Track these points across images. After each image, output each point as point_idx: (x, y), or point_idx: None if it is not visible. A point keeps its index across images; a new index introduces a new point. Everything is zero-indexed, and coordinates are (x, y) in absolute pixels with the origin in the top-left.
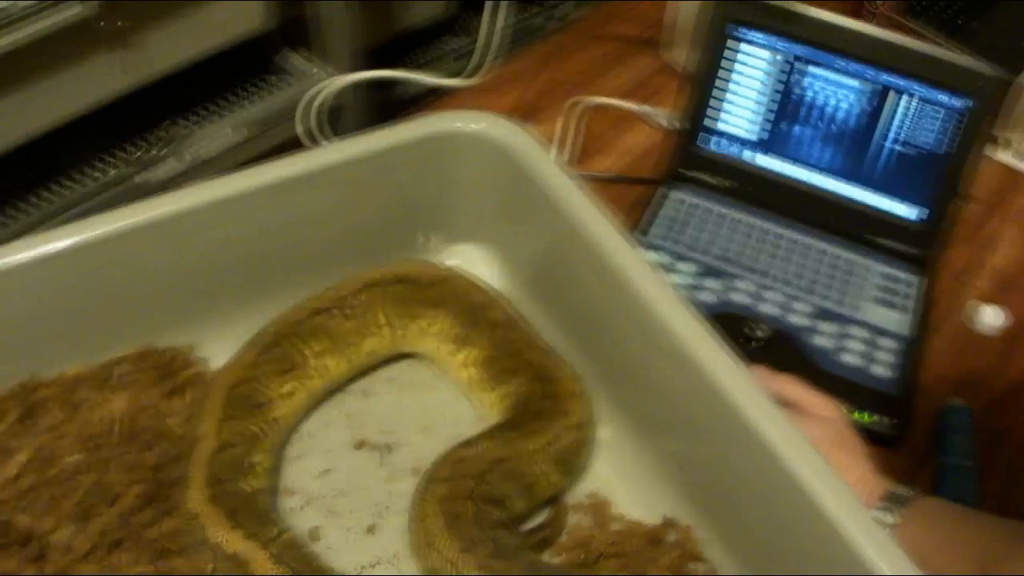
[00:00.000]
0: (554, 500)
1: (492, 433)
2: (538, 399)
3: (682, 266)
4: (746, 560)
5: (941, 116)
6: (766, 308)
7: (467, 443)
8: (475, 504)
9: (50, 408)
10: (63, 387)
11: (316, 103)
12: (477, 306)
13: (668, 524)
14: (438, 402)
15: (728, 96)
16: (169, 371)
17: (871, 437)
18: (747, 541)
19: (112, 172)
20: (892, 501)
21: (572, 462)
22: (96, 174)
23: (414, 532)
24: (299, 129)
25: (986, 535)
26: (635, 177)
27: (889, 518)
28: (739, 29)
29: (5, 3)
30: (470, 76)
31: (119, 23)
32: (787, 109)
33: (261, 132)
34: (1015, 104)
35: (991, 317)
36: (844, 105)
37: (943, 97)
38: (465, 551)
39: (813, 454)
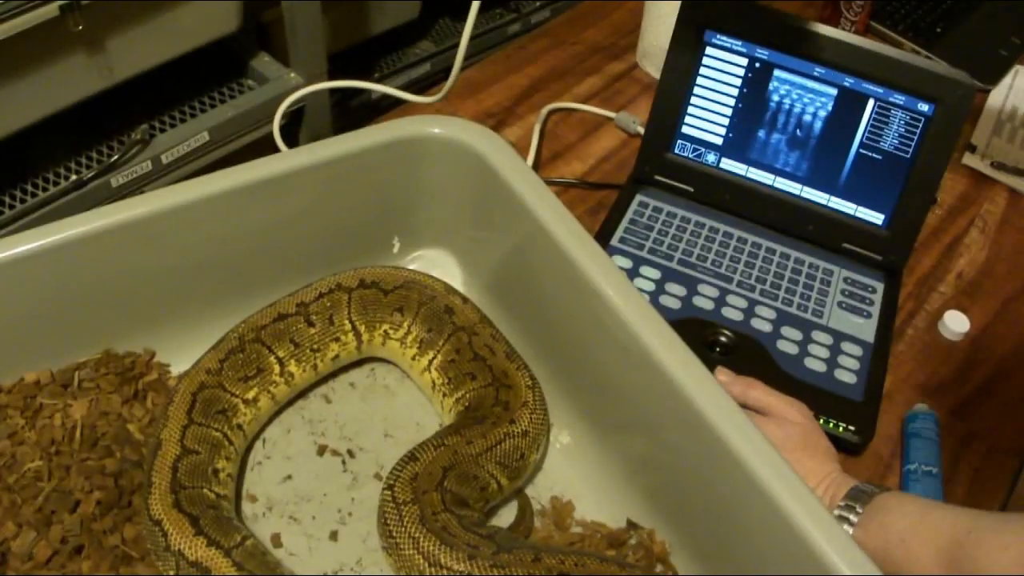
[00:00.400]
0: (521, 500)
1: (436, 441)
2: (490, 405)
3: (646, 271)
4: (708, 562)
5: (909, 122)
6: (730, 313)
7: (412, 457)
8: (451, 512)
9: (10, 414)
10: (23, 392)
11: (280, 109)
12: (441, 310)
13: (631, 527)
14: (399, 407)
15: (696, 100)
16: (130, 376)
17: (835, 443)
18: (709, 544)
19: (84, 174)
20: (854, 498)
21: (517, 467)
22: (69, 176)
23: (407, 559)
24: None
25: (948, 524)
26: (601, 182)
27: (851, 515)
28: (711, 34)
29: None
30: (429, 91)
31: (90, 24)
32: (754, 113)
33: (233, 135)
34: (983, 111)
35: (956, 323)
36: (812, 110)
37: (912, 103)
38: (472, 558)
39: (776, 457)
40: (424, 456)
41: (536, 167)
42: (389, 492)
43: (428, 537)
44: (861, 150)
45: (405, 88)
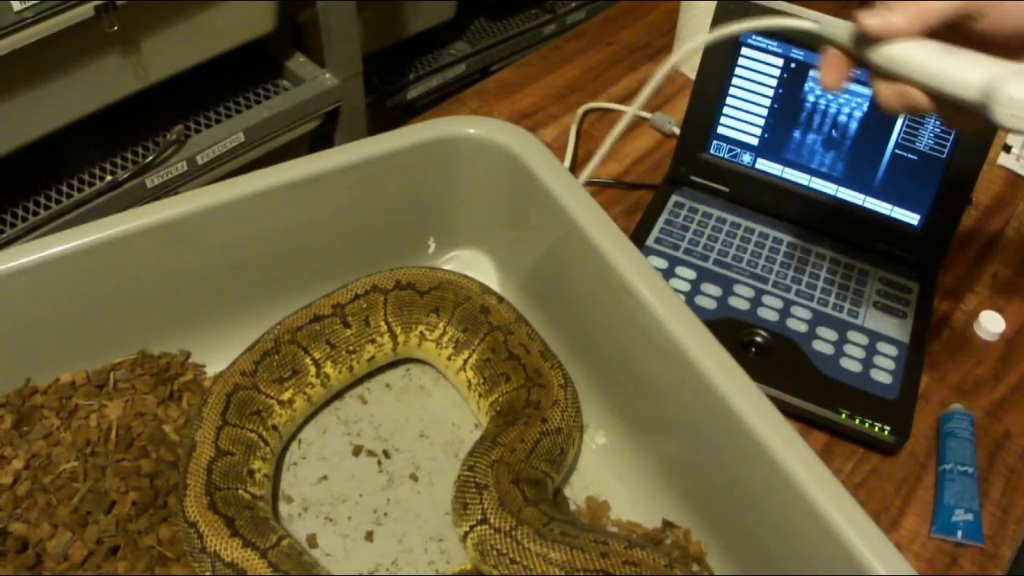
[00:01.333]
0: (557, 499)
1: (484, 460)
2: (521, 407)
3: (681, 271)
4: (744, 563)
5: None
6: (765, 313)
7: (480, 486)
8: (557, 520)
9: (45, 415)
10: (58, 393)
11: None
12: (477, 310)
13: (666, 526)
14: (435, 407)
15: (731, 101)
16: (165, 377)
17: (871, 443)
18: (745, 544)
19: (119, 175)
20: None
21: (560, 461)
22: (104, 176)
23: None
24: None
25: None
26: (637, 182)
27: None
28: (746, 34)
29: (18, 4)
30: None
31: (126, 25)
32: (790, 114)
33: (269, 135)
34: None
35: (992, 323)
36: (848, 110)
37: None
38: (605, 555)
39: (812, 457)
40: (488, 479)
41: (573, 167)
42: (487, 527)
43: (557, 548)
44: (896, 150)
45: (440, 88)
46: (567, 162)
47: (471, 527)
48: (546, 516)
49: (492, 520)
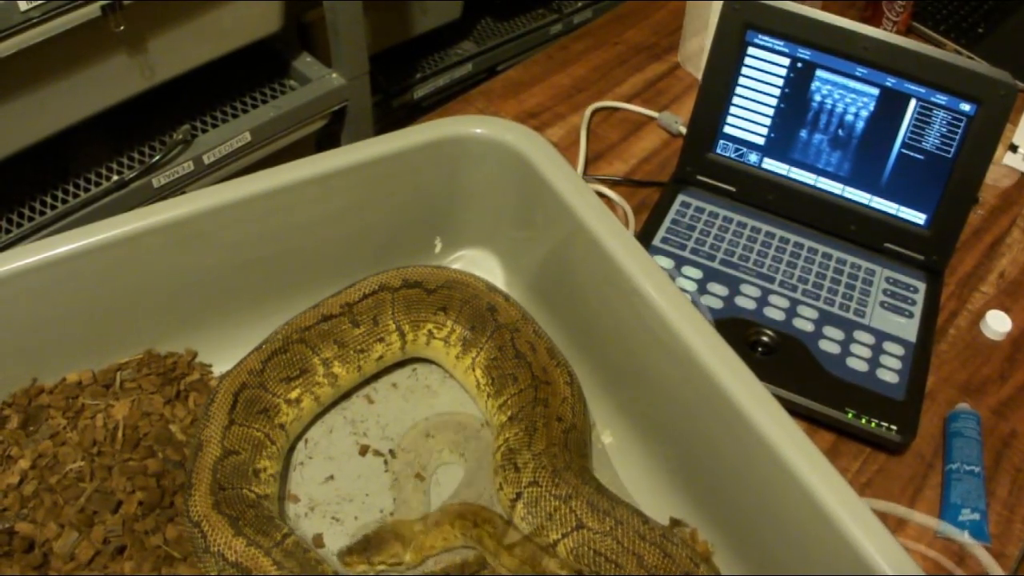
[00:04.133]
0: None
1: (548, 471)
2: (531, 407)
3: (688, 271)
4: (751, 562)
5: (951, 122)
6: (772, 313)
7: (561, 496)
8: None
9: (52, 414)
10: (65, 393)
11: None
12: (484, 308)
13: (674, 524)
14: (441, 407)
15: (738, 100)
16: (172, 377)
17: (877, 443)
18: (752, 544)
19: (126, 174)
20: None
21: (588, 454)
22: (110, 176)
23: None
24: None
25: None
26: (643, 181)
27: None
28: (752, 34)
29: (24, 4)
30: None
31: (132, 25)
32: (796, 113)
33: (275, 135)
34: None
35: (998, 323)
36: (854, 110)
37: (954, 103)
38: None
39: (820, 458)
40: (564, 489)
41: (580, 166)
42: (585, 531)
43: (653, 551)
44: (903, 150)
45: (447, 87)
46: (580, 161)
47: (564, 535)
48: (643, 516)
49: (589, 524)
